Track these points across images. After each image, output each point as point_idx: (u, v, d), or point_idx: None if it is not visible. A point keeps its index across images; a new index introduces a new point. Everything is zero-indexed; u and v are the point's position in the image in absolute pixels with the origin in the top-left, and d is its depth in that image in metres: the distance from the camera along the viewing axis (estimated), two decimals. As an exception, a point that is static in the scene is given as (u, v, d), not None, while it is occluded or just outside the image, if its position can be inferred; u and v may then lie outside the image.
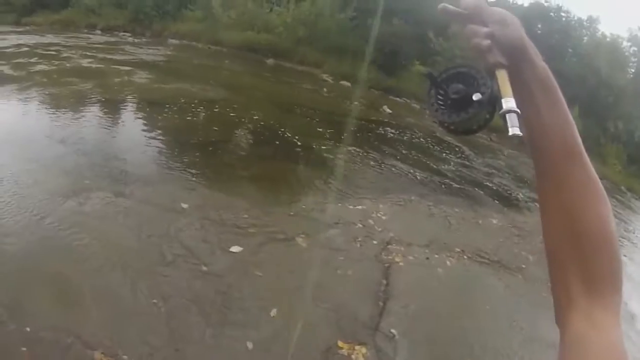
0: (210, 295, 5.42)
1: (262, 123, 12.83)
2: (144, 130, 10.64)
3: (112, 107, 12.04)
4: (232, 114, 13.07)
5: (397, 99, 21.77)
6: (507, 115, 0.94)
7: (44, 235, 5.90)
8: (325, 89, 20.75)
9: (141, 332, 4.66)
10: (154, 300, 5.08)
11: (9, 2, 31.34)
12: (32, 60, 16.36)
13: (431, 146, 14.90)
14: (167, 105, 12.49)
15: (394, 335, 5.42)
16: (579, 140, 1.02)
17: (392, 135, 15.05)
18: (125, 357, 4.27)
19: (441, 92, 1.07)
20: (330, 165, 10.64)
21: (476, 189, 11.80)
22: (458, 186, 11.60)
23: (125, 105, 12.79)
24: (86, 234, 6.01)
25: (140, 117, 12.05)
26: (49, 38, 22.85)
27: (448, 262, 7.47)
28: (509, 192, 12.57)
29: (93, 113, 11.31)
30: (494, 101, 0.98)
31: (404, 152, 13.18)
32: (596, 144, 22.96)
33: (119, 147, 9.47)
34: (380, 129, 15.66)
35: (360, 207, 8.58)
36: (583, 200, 0.99)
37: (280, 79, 21.14)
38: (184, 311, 5.06)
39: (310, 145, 11.47)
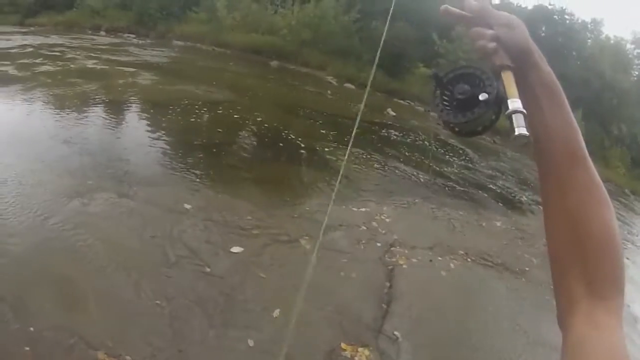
0: (214, 296, 5.42)
1: (265, 125, 12.83)
2: (147, 132, 10.65)
3: (116, 108, 12.06)
4: (235, 116, 13.08)
5: (401, 101, 21.81)
6: (514, 116, 0.94)
7: (48, 235, 5.90)
8: (329, 91, 20.79)
9: (144, 332, 4.66)
10: (157, 301, 5.08)
11: (13, 2, 31.46)
12: (36, 61, 16.40)
13: (435, 148, 14.90)
14: (171, 107, 12.50)
15: (397, 338, 5.42)
16: (583, 144, 1.02)
17: (396, 137, 15.06)
18: (128, 357, 4.26)
19: (447, 92, 1.06)
20: (333, 168, 10.62)
21: (480, 192, 11.80)
22: (462, 189, 11.59)
23: (129, 107, 12.80)
24: (90, 235, 6.02)
25: (144, 118, 12.06)
26: (54, 39, 22.92)
27: (452, 265, 7.47)
28: (512, 194, 12.57)
29: (97, 114, 11.32)
30: (500, 102, 0.98)
31: (407, 154, 13.18)
32: (600, 146, 22.96)
33: (123, 148, 9.48)
34: (384, 131, 15.66)
35: (364, 209, 8.57)
36: (586, 203, 0.99)
37: (284, 81, 21.18)
38: (187, 312, 5.06)
39: (314, 148, 11.47)
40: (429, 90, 1.09)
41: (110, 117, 11.22)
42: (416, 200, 9.76)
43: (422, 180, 11.26)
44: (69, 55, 18.43)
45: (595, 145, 22.55)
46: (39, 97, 11.76)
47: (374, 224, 8.09)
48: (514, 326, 6.40)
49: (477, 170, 13.98)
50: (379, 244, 7.47)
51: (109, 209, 6.84)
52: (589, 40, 27.79)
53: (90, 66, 16.85)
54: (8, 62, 15.28)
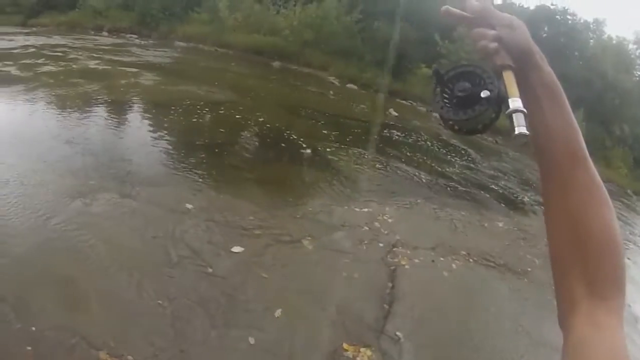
0: (216, 296, 5.42)
1: (267, 125, 12.84)
2: (150, 132, 10.67)
3: (118, 109, 12.07)
4: (237, 116, 13.08)
5: (404, 101, 21.79)
6: (514, 115, 0.94)
7: (50, 235, 5.90)
8: (331, 92, 20.79)
9: (146, 333, 4.66)
10: (159, 301, 5.08)
11: (16, 3, 31.48)
12: (39, 61, 16.42)
13: (437, 149, 14.90)
14: (173, 107, 12.51)
15: (399, 338, 5.41)
16: (584, 144, 1.03)
17: (398, 137, 15.05)
18: (130, 357, 4.27)
19: (447, 90, 1.07)
20: (336, 168, 10.62)
21: (482, 192, 11.79)
22: (464, 189, 11.59)
23: (131, 107, 12.82)
24: (92, 235, 6.02)
25: (147, 118, 12.08)
26: (56, 39, 22.94)
27: (454, 265, 7.46)
28: (514, 195, 12.56)
29: (99, 114, 11.33)
30: (501, 101, 0.98)
31: (409, 154, 13.17)
32: (602, 147, 22.93)
33: (125, 148, 9.49)
34: (386, 131, 15.65)
35: (366, 209, 8.57)
36: (587, 204, 0.99)
37: (286, 81, 21.19)
38: (189, 312, 5.06)
39: (316, 148, 11.46)
40: (430, 91, 1.09)
41: (113, 118, 11.23)
42: (418, 201, 9.76)
43: (424, 180, 11.26)
44: (72, 56, 18.45)
45: (597, 146, 22.52)
46: (41, 98, 11.78)
47: (377, 224, 8.09)
48: (516, 327, 6.40)
49: (479, 170, 13.97)
50: (381, 245, 7.47)
51: (111, 209, 6.84)
52: (591, 41, 27.76)
53: (92, 66, 16.86)
54: (11, 63, 15.30)
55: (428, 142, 15.23)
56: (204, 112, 12.87)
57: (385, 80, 22.47)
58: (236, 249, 6.40)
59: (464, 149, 15.76)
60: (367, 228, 7.88)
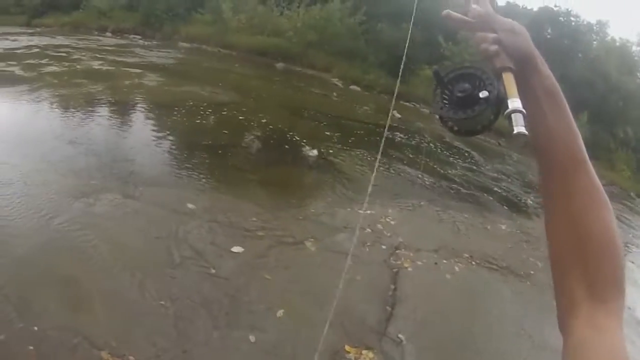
0: (218, 297, 5.42)
1: (270, 126, 12.83)
2: (153, 132, 10.68)
3: (121, 109, 12.09)
4: (241, 117, 13.09)
5: (407, 103, 21.74)
6: (513, 115, 0.95)
7: (53, 235, 5.92)
8: (335, 93, 20.78)
9: (148, 333, 4.67)
10: (162, 302, 5.09)
11: (20, 3, 31.55)
12: (42, 61, 16.46)
13: (440, 151, 14.88)
14: (176, 108, 12.52)
15: (401, 340, 5.41)
16: (583, 147, 1.04)
17: (400, 139, 15.02)
18: (131, 357, 4.27)
19: (447, 91, 1.08)
20: (338, 169, 10.62)
21: (485, 195, 11.77)
22: (467, 191, 11.57)
23: (134, 108, 12.82)
24: (95, 235, 6.03)
25: (150, 119, 12.09)
26: (60, 40, 22.98)
27: (456, 268, 7.45)
28: (517, 197, 12.53)
29: (103, 115, 11.36)
30: (500, 102, 1.00)
31: (412, 156, 13.16)
32: (606, 150, 22.87)
33: (128, 149, 9.50)
34: (389, 133, 15.63)
35: (369, 211, 8.55)
36: (587, 206, 1.00)
37: (289, 82, 21.17)
38: (191, 313, 5.06)
39: (320, 150, 11.45)
40: (432, 88, 1.10)
41: (116, 118, 11.25)
42: (421, 203, 9.75)
43: (427, 182, 11.25)
44: (75, 56, 18.49)
45: (601, 148, 22.46)
46: (45, 98, 11.81)
47: (379, 226, 8.09)
48: (518, 330, 6.38)
49: (482, 172, 13.95)
50: (384, 247, 7.46)
51: (114, 210, 6.86)
52: (595, 42, 27.69)
53: (96, 67, 16.89)
54: (14, 63, 15.35)
55: (431, 144, 15.21)
56: (207, 113, 12.87)
57: (395, 83, 22.45)
58: (236, 249, 6.41)
59: (467, 151, 15.74)
60: (369, 230, 7.88)
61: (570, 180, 1.02)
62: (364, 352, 5.05)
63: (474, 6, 1.11)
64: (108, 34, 28.35)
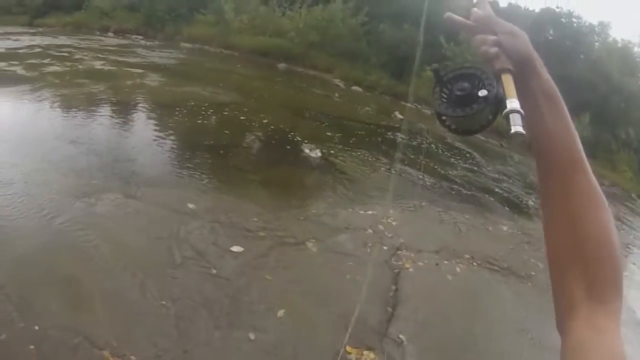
0: (219, 298, 5.42)
1: (272, 127, 12.83)
2: (154, 133, 10.69)
3: (123, 109, 12.10)
4: (242, 118, 13.09)
5: (409, 104, 21.71)
6: (511, 115, 0.96)
7: (54, 235, 5.92)
8: (336, 94, 20.77)
9: (149, 333, 4.67)
10: (163, 302, 5.09)
11: (22, 3, 31.59)
12: (44, 61, 16.48)
13: (441, 152, 14.87)
14: (178, 108, 12.53)
15: (402, 341, 5.41)
16: (581, 149, 1.05)
17: (402, 140, 15.00)
18: (133, 357, 4.27)
19: (446, 90, 1.09)
20: (340, 170, 10.62)
21: (486, 195, 11.76)
22: (468, 192, 11.56)
23: (136, 108, 12.83)
24: (96, 235, 6.04)
25: (151, 119, 12.10)
26: (62, 40, 23.01)
27: (458, 269, 7.45)
28: (519, 198, 12.52)
29: (104, 115, 11.37)
30: (498, 102, 1.01)
31: (414, 157, 13.15)
32: (607, 151, 22.85)
33: (129, 149, 9.52)
34: (390, 133, 15.64)
35: (370, 212, 8.56)
36: (586, 207, 1.01)
37: (291, 83, 21.19)
38: (192, 313, 5.06)
39: (321, 150, 11.44)
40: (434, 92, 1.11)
41: (118, 118, 11.26)
42: (422, 204, 9.74)
43: (428, 183, 11.24)
44: (77, 56, 18.51)
45: (603, 149, 22.44)
46: (46, 97, 11.82)
47: (381, 227, 8.08)
48: (519, 331, 6.38)
49: (483, 173, 13.94)
50: (385, 247, 7.46)
51: (115, 209, 6.86)
52: (597, 44, 27.63)
53: (98, 67, 16.92)
54: (16, 62, 15.37)
55: (433, 145, 15.20)
56: (209, 113, 12.89)
57: (397, 84, 22.47)
58: (235, 248, 6.41)
59: (468, 152, 15.73)
60: (371, 231, 7.88)
61: (568, 180, 1.03)
62: (365, 352, 5.05)
63: (474, 9, 1.13)
64: (110, 34, 28.38)
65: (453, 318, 6.27)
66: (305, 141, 11.72)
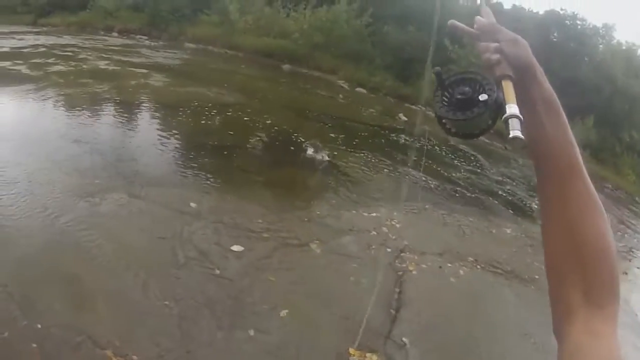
0: (222, 298, 5.42)
1: (276, 128, 12.84)
2: (158, 133, 10.69)
3: (127, 109, 12.10)
4: (246, 119, 13.09)
5: (413, 106, 21.70)
6: (510, 120, 0.98)
7: (58, 234, 5.93)
8: (341, 95, 20.76)
9: (152, 333, 4.67)
10: (166, 302, 5.09)
11: (26, 3, 31.64)
12: (49, 60, 16.51)
13: (445, 154, 14.85)
14: (182, 109, 12.55)
15: (405, 344, 5.39)
16: (579, 155, 1.07)
17: (406, 142, 15.00)
18: (135, 357, 4.27)
19: (447, 93, 1.10)
20: (344, 172, 10.61)
21: (490, 198, 11.75)
22: (472, 195, 11.55)
23: (140, 108, 12.86)
24: (99, 234, 6.04)
25: (155, 119, 12.12)
26: (66, 39, 23.05)
27: (461, 272, 7.44)
28: (522, 201, 12.50)
29: (108, 114, 11.39)
30: (498, 107, 1.03)
31: (417, 159, 13.12)
32: (611, 153, 22.82)
33: (133, 149, 9.52)
34: (394, 135, 15.63)
35: (374, 214, 8.56)
36: (583, 213, 1.03)
37: (295, 84, 21.18)
38: (195, 313, 5.06)
39: (325, 152, 11.43)
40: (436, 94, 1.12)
41: (121, 118, 11.27)
42: (426, 206, 9.72)
43: (432, 186, 11.22)
44: (81, 56, 18.54)
45: (607, 152, 22.43)
46: (50, 97, 11.83)
47: (384, 229, 8.07)
48: (522, 334, 6.37)
49: (487, 176, 13.92)
50: (389, 250, 7.45)
51: (118, 209, 6.87)
52: (601, 46, 27.59)
53: (102, 67, 16.94)
54: (21, 62, 15.39)
55: (437, 147, 15.18)
56: (213, 113, 12.90)
57: (401, 86, 22.46)
58: (236, 247, 6.40)
59: (472, 155, 15.71)
60: (375, 233, 7.87)
61: (566, 186, 1.04)
62: (368, 355, 5.04)
63: (478, 17, 1.16)
64: (114, 34, 28.40)
65: (456, 321, 6.26)
66: (309, 142, 11.71)
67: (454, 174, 12.82)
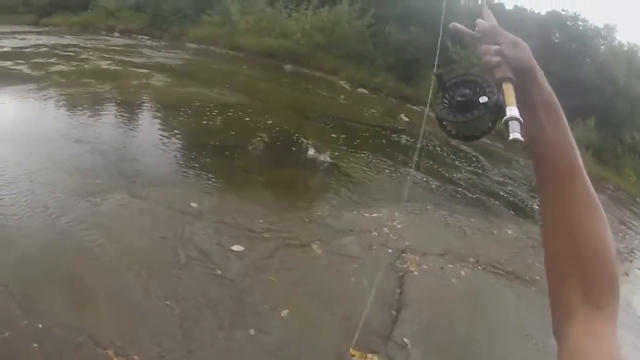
0: (224, 298, 5.42)
1: (277, 128, 12.84)
2: (160, 133, 10.70)
3: (128, 109, 12.11)
4: (247, 119, 13.09)
5: (415, 107, 21.70)
6: (510, 122, 0.99)
7: (59, 234, 5.93)
8: (342, 96, 20.76)
9: (153, 333, 4.66)
10: (167, 302, 5.09)
11: (28, 3, 31.68)
12: (50, 60, 16.53)
13: (447, 155, 14.84)
14: (183, 109, 12.55)
15: (406, 344, 5.39)
16: (579, 158, 1.07)
17: (407, 142, 14.99)
18: (136, 357, 4.27)
19: (447, 95, 1.11)
20: (345, 173, 10.61)
21: (491, 199, 11.74)
22: (473, 196, 11.54)
23: (141, 108, 12.87)
24: (101, 234, 6.04)
25: (157, 119, 12.13)
26: (68, 39, 23.08)
27: (462, 272, 7.43)
28: (524, 202, 12.50)
29: (109, 114, 11.40)
30: (498, 109, 1.03)
31: (418, 159, 13.12)
32: (613, 155, 22.80)
33: (135, 148, 9.52)
34: (396, 136, 15.63)
35: (375, 214, 8.55)
36: (583, 215, 1.03)
37: (297, 85, 21.19)
38: (196, 313, 5.05)
39: (326, 152, 11.43)
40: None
41: (123, 118, 11.28)
42: (428, 207, 9.72)
43: (433, 186, 11.22)
44: (83, 56, 18.55)
45: (608, 153, 22.41)
46: (52, 97, 11.85)
47: (385, 229, 8.06)
48: (523, 335, 6.36)
49: (488, 177, 13.92)
50: (390, 250, 7.44)
51: (120, 209, 6.87)
52: (602, 47, 27.56)
53: (103, 67, 16.96)
54: (23, 61, 15.41)
55: (438, 148, 15.17)
56: (214, 114, 12.90)
57: (403, 86, 22.40)
58: (237, 247, 6.40)
59: (474, 156, 15.70)
60: (376, 233, 7.87)
61: (566, 188, 1.05)
62: (369, 355, 5.03)
63: (479, 20, 1.17)
64: (116, 34, 28.43)
65: (457, 322, 6.26)
66: (310, 143, 11.72)
67: (455, 175, 12.81)
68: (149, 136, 10.39)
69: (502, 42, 1.10)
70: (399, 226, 8.30)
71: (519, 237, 9.78)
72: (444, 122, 1.10)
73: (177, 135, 10.73)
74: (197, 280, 5.63)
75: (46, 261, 5.35)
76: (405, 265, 7.09)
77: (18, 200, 6.42)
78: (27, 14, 31.07)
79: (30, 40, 21.06)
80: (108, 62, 17.85)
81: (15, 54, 16.90)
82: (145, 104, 13.17)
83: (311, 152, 11.20)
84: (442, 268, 7.38)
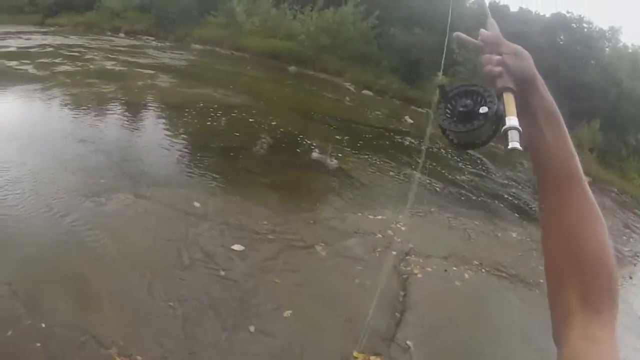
0: (227, 300, 5.42)
1: (281, 130, 12.83)
2: (164, 133, 10.71)
3: (133, 110, 12.12)
4: (252, 120, 13.10)
5: (419, 109, 21.68)
6: (509, 132, 1.02)
7: (63, 234, 5.94)
8: (347, 98, 20.74)
9: (156, 333, 4.67)
10: (170, 303, 5.09)
11: (34, 3, 31.71)
12: (55, 60, 16.56)
13: (451, 157, 14.81)
14: (188, 110, 12.56)
15: (409, 347, 5.38)
16: (579, 166, 1.09)
17: (411, 144, 14.99)
18: (139, 357, 4.27)
19: (450, 106, 1.14)
20: (349, 175, 10.60)
21: (496, 202, 11.72)
22: (477, 198, 11.52)
23: (146, 108, 12.87)
24: (105, 234, 6.04)
25: (161, 120, 12.14)
26: (73, 39, 23.09)
27: (466, 275, 7.42)
28: (528, 205, 12.46)
29: (114, 115, 11.41)
30: (499, 119, 1.06)
31: (423, 162, 13.10)
32: (617, 157, 22.73)
33: (139, 149, 9.54)
34: (399, 138, 15.61)
35: (380, 217, 8.55)
36: (582, 221, 1.05)
37: (301, 86, 21.17)
38: (200, 314, 5.05)
39: (330, 154, 11.42)
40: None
41: (128, 118, 11.29)
42: (432, 209, 9.71)
43: (438, 189, 11.21)
44: (88, 56, 18.57)
45: (613, 156, 22.35)
46: (57, 97, 11.88)
47: (390, 232, 8.06)
48: (526, 338, 6.35)
49: (492, 179, 13.90)
50: (394, 253, 7.43)
51: (124, 209, 6.87)
52: (607, 49, 27.47)
53: (108, 67, 16.97)
54: (28, 61, 15.44)
55: (442, 150, 15.15)
56: (219, 115, 12.91)
57: (407, 88, 22.36)
58: (236, 247, 6.40)
59: (478, 158, 15.67)
60: (380, 236, 7.86)
61: (565, 195, 1.07)
62: (372, 358, 5.03)
63: (482, 30, 1.19)
64: (121, 34, 28.42)
65: (460, 324, 6.24)
66: (315, 144, 11.72)
67: (459, 177, 12.80)
68: (154, 136, 10.40)
69: (504, 52, 1.12)
70: (403, 228, 8.28)
71: (523, 240, 9.76)
72: (447, 132, 1.12)
73: (182, 136, 10.74)
74: (200, 281, 5.63)
75: (50, 261, 5.35)
76: (409, 268, 7.09)
77: (22, 199, 6.43)
78: (33, 14, 31.07)
79: (36, 40, 21.10)
80: (113, 62, 17.87)
81: (21, 54, 16.94)
82: (149, 105, 13.18)
83: (315, 153, 11.20)
84: (446, 271, 7.37)
